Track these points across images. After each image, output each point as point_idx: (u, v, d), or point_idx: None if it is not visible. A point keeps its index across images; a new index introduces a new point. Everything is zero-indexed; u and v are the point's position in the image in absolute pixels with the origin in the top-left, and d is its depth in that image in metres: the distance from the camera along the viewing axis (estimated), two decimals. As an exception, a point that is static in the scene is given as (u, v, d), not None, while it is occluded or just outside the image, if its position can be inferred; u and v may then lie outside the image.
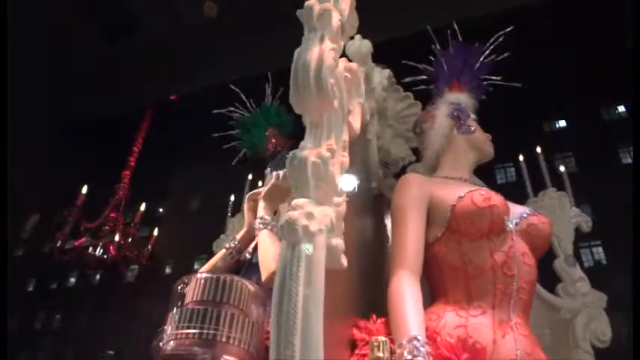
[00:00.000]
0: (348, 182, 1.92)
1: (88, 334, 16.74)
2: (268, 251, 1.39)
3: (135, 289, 16.34)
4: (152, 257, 5.30)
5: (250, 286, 0.99)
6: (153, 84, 6.42)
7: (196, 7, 5.57)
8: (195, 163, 17.67)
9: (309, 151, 0.86)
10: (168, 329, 0.91)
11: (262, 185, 1.87)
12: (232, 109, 2.13)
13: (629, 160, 13.75)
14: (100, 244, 5.00)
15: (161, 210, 18.33)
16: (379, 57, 1.81)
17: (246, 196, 1.70)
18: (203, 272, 1.62)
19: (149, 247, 5.29)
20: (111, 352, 14.66)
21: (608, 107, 15.74)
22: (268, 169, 1.85)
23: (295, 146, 2.06)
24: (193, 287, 0.96)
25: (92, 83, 6.43)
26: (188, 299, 0.95)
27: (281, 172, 1.59)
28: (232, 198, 2.88)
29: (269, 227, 1.46)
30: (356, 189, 1.92)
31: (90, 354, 15.85)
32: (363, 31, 1.28)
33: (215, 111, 2.18)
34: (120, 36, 5.97)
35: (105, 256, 4.99)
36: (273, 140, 1.98)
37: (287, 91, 0.88)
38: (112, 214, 5.24)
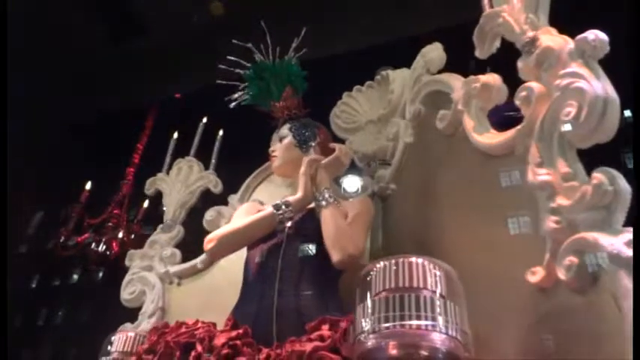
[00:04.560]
0: (353, 183, 1.90)
1: (91, 330, 16.73)
2: (344, 230, 1.34)
3: (137, 286, 16.31)
4: (155, 255, 5.27)
5: (445, 267, 0.90)
6: (157, 82, 6.42)
7: (202, 6, 5.57)
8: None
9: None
10: (363, 323, 0.82)
11: (273, 139, 1.83)
12: (251, 45, 1.99)
13: (635, 165, 13.67)
14: (103, 240, 5.00)
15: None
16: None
17: (306, 160, 1.57)
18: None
19: (152, 244, 5.27)
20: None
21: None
22: (286, 130, 1.77)
23: (310, 114, 1.97)
24: (381, 274, 0.86)
25: (97, 80, 6.44)
26: (378, 288, 0.85)
27: (343, 147, 1.63)
28: (175, 135, 2.73)
29: (337, 203, 1.41)
30: (359, 190, 1.90)
31: (92, 351, 15.85)
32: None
33: (228, 60, 2.06)
34: (125, 36, 5.98)
35: (107, 253, 4.98)
36: (289, 101, 1.85)
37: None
38: (116, 211, 5.24)
